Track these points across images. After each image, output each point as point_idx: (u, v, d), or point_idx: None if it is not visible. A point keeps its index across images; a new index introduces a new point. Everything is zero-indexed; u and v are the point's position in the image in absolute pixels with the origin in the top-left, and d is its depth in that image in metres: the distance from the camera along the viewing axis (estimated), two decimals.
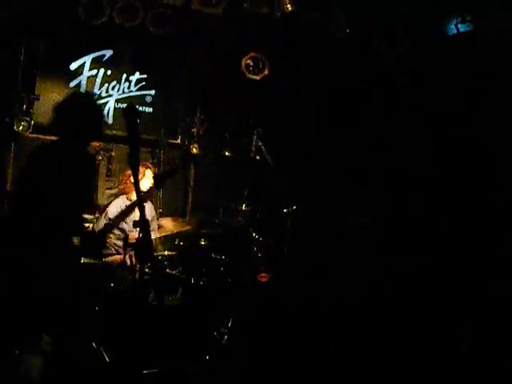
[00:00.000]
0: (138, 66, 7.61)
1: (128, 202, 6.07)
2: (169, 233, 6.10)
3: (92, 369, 4.54)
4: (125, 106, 7.41)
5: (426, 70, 6.42)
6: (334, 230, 6.57)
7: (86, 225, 6.00)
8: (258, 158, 6.95)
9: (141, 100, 7.64)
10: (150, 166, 6.42)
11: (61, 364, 4.79)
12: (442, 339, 5.11)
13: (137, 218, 5.76)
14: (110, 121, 7.46)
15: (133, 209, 5.69)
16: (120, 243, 5.80)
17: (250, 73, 7.61)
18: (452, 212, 5.85)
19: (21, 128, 6.84)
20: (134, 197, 6.22)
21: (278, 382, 4.84)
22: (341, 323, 5.43)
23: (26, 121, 6.85)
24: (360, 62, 6.98)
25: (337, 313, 5.56)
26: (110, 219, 5.85)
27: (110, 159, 7.13)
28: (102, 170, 7.27)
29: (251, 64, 7.61)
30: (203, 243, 5.88)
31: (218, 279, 5.72)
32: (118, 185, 6.56)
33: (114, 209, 6.00)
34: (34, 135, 7.07)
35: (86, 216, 6.11)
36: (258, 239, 6.28)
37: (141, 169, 6.27)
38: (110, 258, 5.82)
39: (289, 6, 6.66)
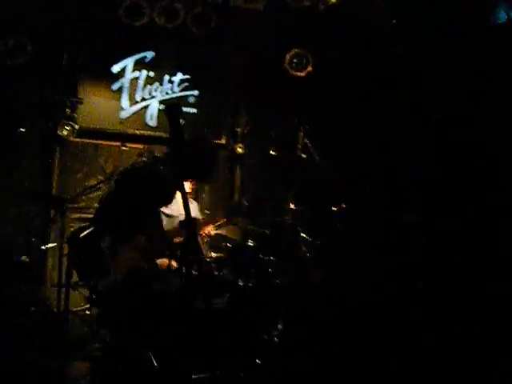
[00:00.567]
0: (180, 67, 7.51)
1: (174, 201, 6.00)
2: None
3: (141, 374, 4.47)
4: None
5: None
6: (384, 228, 6.37)
7: None
8: (304, 156, 6.76)
9: (184, 101, 7.53)
10: None
11: (109, 369, 4.77)
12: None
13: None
14: (154, 123, 7.38)
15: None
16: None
17: (293, 69, 7.44)
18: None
19: (65, 132, 6.81)
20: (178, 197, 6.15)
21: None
22: (396, 325, 5.24)
23: (70, 125, 6.81)
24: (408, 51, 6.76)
25: (391, 315, 5.37)
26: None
27: None
28: None
29: (295, 60, 7.44)
30: (251, 244, 5.72)
31: (266, 280, 5.56)
32: None
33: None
34: (78, 139, 7.05)
35: None
36: (306, 239, 6.10)
37: None
38: (158, 261, 5.75)
39: None
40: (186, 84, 7.56)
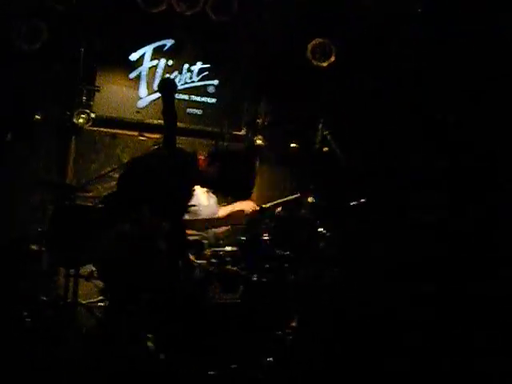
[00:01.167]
0: (199, 56, 7.35)
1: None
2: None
3: (150, 369, 4.34)
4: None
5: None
6: (403, 224, 6.20)
7: None
8: (324, 149, 6.55)
9: (203, 90, 7.39)
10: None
11: (116, 364, 4.65)
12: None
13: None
14: None
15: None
16: None
17: (316, 60, 7.22)
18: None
19: (81, 121, 6.67)
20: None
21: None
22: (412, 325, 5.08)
23: (86, 113, 6.68)
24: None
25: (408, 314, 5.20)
26: None
27: None
28: None
29: (317, 50, 7.23)
30: (266, 238, 5.53)
31: (281, 276, 5.37)
32: None
33: None
34: (95, 128, 6.93)
35: None
36: (324, 234, 5.90)
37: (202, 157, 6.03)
38: None
39: None
40: (206, 73, 7.39)
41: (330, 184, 6.49)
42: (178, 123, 6.99)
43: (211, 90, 7.41)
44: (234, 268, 5.28)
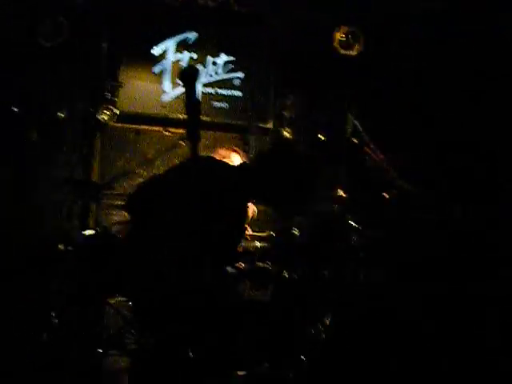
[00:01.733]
0: (224, 48, 7.19)
1: None
2: None
3: (178, 369, 4.21)
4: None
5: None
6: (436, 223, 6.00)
7: None
8: (355, 140, 6.36)
9: (229, 83, 7.23)
10: (237, 150, 5.99)
11: (146, 363, 4.53)
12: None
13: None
14: None
15: None
16: None
17: (343, 49, 7.02)
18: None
19: (105, 117, 6.56)
20: None
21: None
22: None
23: (110, 109, 6.56)
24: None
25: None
26: None
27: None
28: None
29: (345, 39, 7.03)
30: (296, 233, 5.38)
31: (313, 273, 5.22)
32: None
33: None
34: (119, 124, 6.82)
35: None
36: (357, 228, 5.71)
37: (225, 152, 5.89)
38: None
39: None
40: (231, 66, 7.24)
41: (361, 176, 6.30)
42: (203, 117, 6.98)
43: (237, 82, 7.26)
44: (264, 264, 5.15)
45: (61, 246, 5.48)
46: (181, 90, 7.00)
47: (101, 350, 4.78)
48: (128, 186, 6.77)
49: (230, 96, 7.24)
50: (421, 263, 5.63)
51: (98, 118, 6.55)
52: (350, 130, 6.20)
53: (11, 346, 5.04)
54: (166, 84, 7.03)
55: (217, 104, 7.20)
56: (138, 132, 6.96)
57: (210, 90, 7.16)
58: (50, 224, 6.27)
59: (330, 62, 7.06)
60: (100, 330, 5.06)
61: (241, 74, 7.27)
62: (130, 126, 6.93)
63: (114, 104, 6.65)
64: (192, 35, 7.04)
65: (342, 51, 6.99)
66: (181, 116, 6.94)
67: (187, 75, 2.69)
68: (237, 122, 7.20)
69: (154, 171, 6.97)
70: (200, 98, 6.29)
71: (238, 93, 7.26)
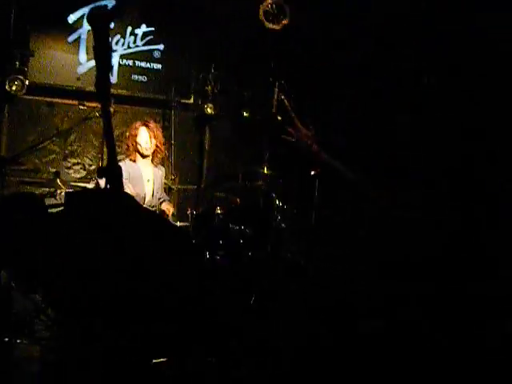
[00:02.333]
0: (144, 18, 6.81)
1: (134, 165, 5.50)
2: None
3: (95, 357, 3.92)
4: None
5: None
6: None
7: None
8: (279, 117, 6.14)
9: (148, 55, 6.88)
10: (149, 123, 5.69)
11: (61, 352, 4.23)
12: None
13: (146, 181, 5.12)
14: (115, 79, 6.70)
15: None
16: None
17: (269, 22, 6.77)
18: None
19: (14, 88, 6.08)
20: (138, 159, 5.60)
21: None
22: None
23: (20, 80, 6.09)
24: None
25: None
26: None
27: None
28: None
29: (271, 12, 6.78)
30: (219, 212, 5.13)
31: (236, 253, 4.99)
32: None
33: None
34: (30, 97, 6.36)
35: None
36: (281, 207, 5.51)
37: (136, 125, 5.64)
38: None
39: None
40: (151, 37, 6.87)
41: (286, 152, 6.10)
42: (121, 91, 6.62)
43: (157, 55, 6.92)
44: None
45: None
46: None
47: (7, 339, 4.43)
48: (39, 161, 6.39)
49: (149, 69, 6.90)
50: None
51: (6, 89, 6.06)
52: (275, 103, 5.94)
53: None
54: (82, 55, 6.60)
55: (136, 77, 6.84)
56: (50, 105, 6.53)
57: (128, 61, 6.79)
58: None
59: (256, 35, 6.79)
60: (7, 315, 4.70)
61: (161, 46, 6.92)
62: (43, 98, 6.50)
63: (24, 74, 6.17)
64: (110, 3, 6.62)
65: (268, 24, 6.72)
66: None
67: (96, 15, 2.20)
68: (157, 97, 6.86)
69: (68, 147, 6.62)
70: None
71: (157, 66, 6.92)
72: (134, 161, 5.54)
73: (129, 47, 6.78)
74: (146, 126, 5.59)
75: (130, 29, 6.77)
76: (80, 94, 6.51)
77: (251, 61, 6.84)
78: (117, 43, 6.70)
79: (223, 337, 4.35)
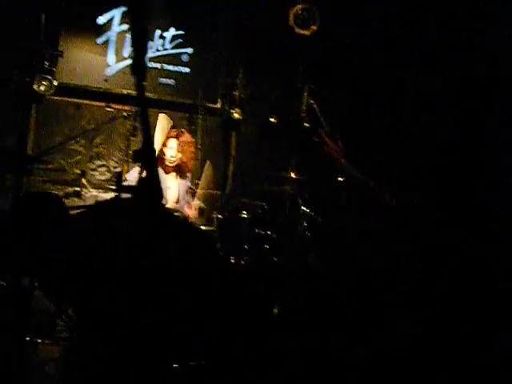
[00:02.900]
0: (173, 21, 6.79)
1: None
2: None
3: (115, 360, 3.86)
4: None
5: None
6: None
7: None
8: (307, 124, 6.06)
9: (177, 59, 6.85)
10: (180, 137, 5.66)
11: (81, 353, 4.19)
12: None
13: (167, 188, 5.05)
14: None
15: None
16: None
17: (298, 27, 6.68)
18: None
19: (42, 88, 6.07)
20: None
21: None
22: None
23: (48, 80, 6.08)
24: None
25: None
26: None
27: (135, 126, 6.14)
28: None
29: (300, 17, 6.70)
30: (245, 216, 5.06)
31: (262, 258, 4.91)
32: None
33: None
34: (58, 97, 6.36)
35: None
36: (307, 213, 5.42)
37: (170, 132, 5.60)
38: None
39: None
40: (180, 40, 6.85)
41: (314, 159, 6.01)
42: (149, 94, 6.58)
43: (185, 58, 6.88)
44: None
45: None
46: (125, 63, 6.60)
47: (28, 338, 4.38)
48: (65, 162, 6.37)
49: (177, 72, 6.87)
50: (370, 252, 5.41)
51: (34, 89, 6.06)
52: (304, 108, 5.86)
53: None
54: (110, 57, 6.60)
55: (163, 80, 6.82)
56: (78, 106, 6.52)
57: (156, 65, 6.77)
58: None
59: (285, 40, 6.73)
60: (28, 315, 4.66)
61: (189, 50, 6.89)
62: (70, 99, 6.49)
63: (53, 75, 6.16)
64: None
65: (298, 30, 6.64)
66: (125, 91, 6.55)
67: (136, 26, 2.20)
68: (184, 101, 6.82)
69: (93, 149, 6.59)
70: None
71: (185, 69, 6.89)
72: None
73: (157, 50, 6.77)
74: (177, 138, 5.55)
75: (158, 32, 6.75)
76: (107, 96, 6.51)
77: (280, 66, 6.78)
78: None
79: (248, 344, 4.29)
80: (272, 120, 6.88)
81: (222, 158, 7.05)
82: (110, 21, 6.55)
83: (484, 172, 5.44)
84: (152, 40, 6.71)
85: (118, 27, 6.58)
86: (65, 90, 6.35)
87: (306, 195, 5.55)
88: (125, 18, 6.57)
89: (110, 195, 5.73)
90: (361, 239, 5.57)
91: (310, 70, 6.49)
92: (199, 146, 6.36)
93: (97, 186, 6.38)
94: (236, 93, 6.95)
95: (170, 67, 6.84)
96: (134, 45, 2.08)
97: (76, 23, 6.42)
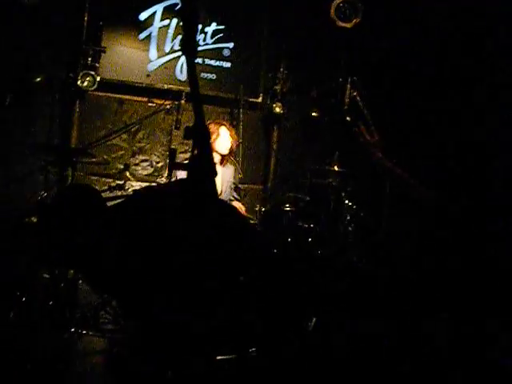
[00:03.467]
0: (214, 16, 6.78)
1: None
2: None
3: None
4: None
5: None
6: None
7: None
8: (349, 119, 6.00)
9: (218, 54, 6.84)
10: (225, 124, 5.68)
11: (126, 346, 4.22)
12: None
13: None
14: (185, 77, 6.68)
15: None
16: None
17: (340, 20, 6.62)
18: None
19: (85, 84, 6.11)
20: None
21: None
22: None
23: (91, 76, 6.12)
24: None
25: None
26: None
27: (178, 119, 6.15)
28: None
29: (342, 10, 6.63)
30: (289, 209, 5.03)
31: (305, 251, 4.88)
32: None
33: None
34: (101, 93, 6.41)
35: None
36: (351, 207, 5.37)
37: (213, 127, 5.57)
38: None
39: None
40: (221, 35, 6.83)
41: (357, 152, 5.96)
42: (188, 88, 6.59)
43: (226, 53, 6.87)
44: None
45: (34, 219, 5.08)
46: (167, 58, 6.62)
47: (73, 329, 4.42)
48: (108, 157, 6.42)
49: (218, 67, 6.85)
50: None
51: (77, 85, 6.11)
52: (347, 99, 5.81)
53: None
54: (152, 52, 6.61)
55: (205, 75, 6.82)
56: (120, 101, 6.56)
57: (198, 60, 6.76)
58: (22, 193, 5.84)
59: (326, 34, 6.68)
60: (73, 307, 4.69)
61: (231, 45, 6.88)
62: (113, 95, 6.53)
63: (96, 70, 6.20)
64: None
65: (339, 23, 6.57)
66: (166, 86, 6.57)
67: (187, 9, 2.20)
68: (225, 95, 6.81)
69: (136, 143, 6.63)
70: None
71: (227, 64, 6.88)
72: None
73: (198, 45, 6.76)
74: (225, 126, 5.58)
75: (200, 27, 6.74)
76: (149, 91, 6.55)
77: (321, 59, 6.74)
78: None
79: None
80: (314, 114, 6.84)
81: (263, 152, 7.04)
82: (152, 16, 6.55)
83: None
84: None
85: (159, 23, 6.59)
86: (107, 85, 6.38)
87: (349, 188, 5.50)
88: (166, 14, 6.59)
89: None
90: (403, 237, 5.52)
91: (351, 62, 6.43)
92: (241, 141, 6.34)
93: (139, 180, 6.42)
94: (277, 87, 6.92)
95: (212, 62, 6.83)
96: (184, 23, 2.07)
97: (118, 20, 6.43)
